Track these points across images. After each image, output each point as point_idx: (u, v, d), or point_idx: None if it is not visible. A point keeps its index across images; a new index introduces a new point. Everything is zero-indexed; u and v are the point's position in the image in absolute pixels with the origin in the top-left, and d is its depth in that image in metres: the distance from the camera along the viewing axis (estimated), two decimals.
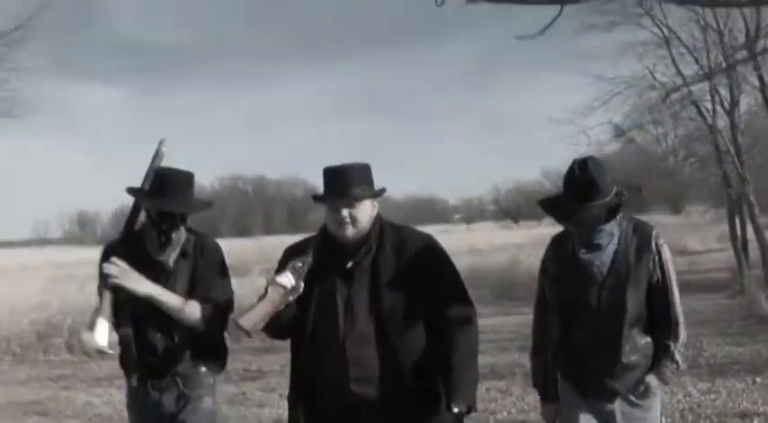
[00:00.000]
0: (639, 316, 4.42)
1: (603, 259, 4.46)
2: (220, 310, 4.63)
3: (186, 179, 4.69)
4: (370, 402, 4.20)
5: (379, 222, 4.42)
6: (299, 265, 4.22)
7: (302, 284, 4.19)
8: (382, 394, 4.19)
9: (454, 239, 40.34)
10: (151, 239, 4.63)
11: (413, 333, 4.26)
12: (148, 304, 4.49)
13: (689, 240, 39.75)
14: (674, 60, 20.10)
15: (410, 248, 4.36)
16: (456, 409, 4.15)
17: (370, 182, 4.38)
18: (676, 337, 4.43)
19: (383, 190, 4.44)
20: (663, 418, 4.56)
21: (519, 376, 10.64)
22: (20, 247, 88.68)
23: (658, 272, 4.44)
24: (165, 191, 4.56)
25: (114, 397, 11.22)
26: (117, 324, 4.56)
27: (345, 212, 4.26)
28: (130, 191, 4.63)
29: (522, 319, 15.12)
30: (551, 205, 4.56)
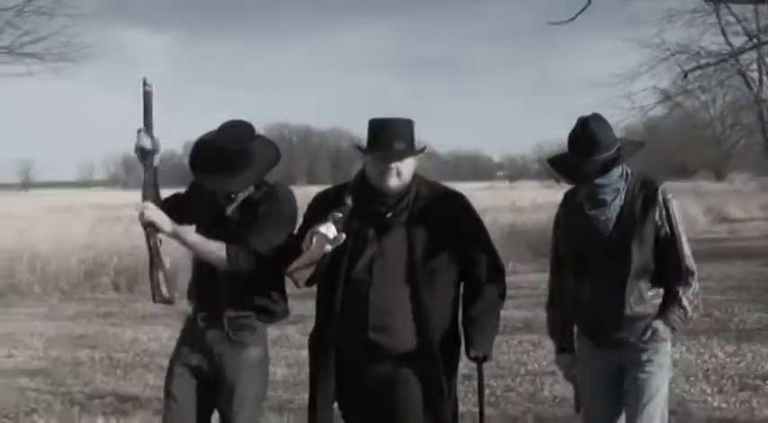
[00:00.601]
0: (645, 268, 4.46)
1: (609, 214, 4.53)
2: (256, 254, 4.49)
3: (237, 149, 4.48)
4: (387, 352, 4.29)
5: (417, 178, 4.50)
6: (339, 215, 4.29)
7: (343, 235, 4.26)
8: (401, 344, 4.29)
9: (497, 197, 40.55)
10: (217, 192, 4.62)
11: (442, 288, 4.37)
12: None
13: (731, 208, 39.60)
14: (722, 29, 20.15)
15: (445, 205, 4.48)
16: (473, 355, 4.32)
17: (412, 137, 4.46)
18: (687, 285, 4.46)
19: (425, 148, 4.62)
20: (671, 369, 4.64)
21: None
22: (65, 188, 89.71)
23: (666, 226, 4.48)
24: (215, 165, 4.49)
25: (161, 334, 11.63)
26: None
27: (392, 165, 4.34)
28: (192, 166, 4.63)
29: None
30: (557, 162, 4.66)
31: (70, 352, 10.85)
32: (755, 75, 20.95)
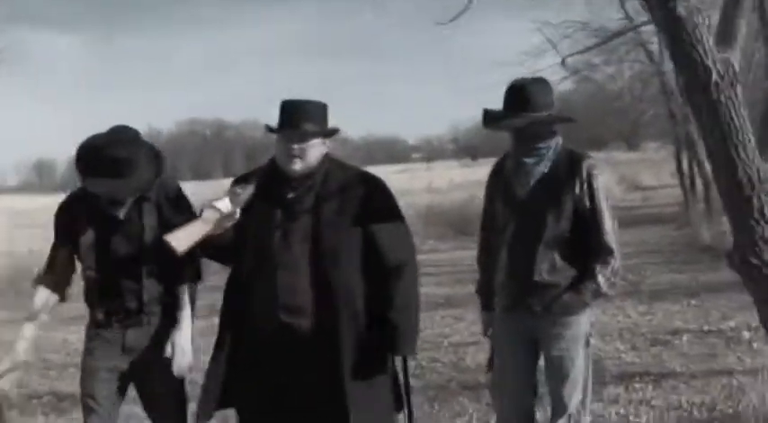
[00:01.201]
0: (559, 238, 4.48)
1: (529, 180, 4.55)
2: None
3: (125, 156, 4.47)
4: (297, 331, 4.24)
5: (328, 161, 4.45)
6: (239, 191, 4.30)
7: (239, 211, 4.27)
8: (311, 325, 4.25)
9: (414, 179, 40.82)
10: (101, 198, 4.60)
11: (348, 269, 4.30)
12: (114, 247, 4.55)
13: (644, 176, 40.55)
14: (622, 4, 20.67)
15: (355, 188, 4.40)
16: (398, 355, 4.34)
17: (323, 119, 4.45)
18: (604, 262, 4.45)
19: (336, 130, 4.54)
20: (588, 339, 4.63)
21: (472, 305, 11.17)
22: None
23: (587, 199, 4.47)
24: (102, 171, 4.46)
25: None
26: (84, 267, 4.63)
27: (296, 146, 4.31)
28: (78, 170, 4.58)
29: None
30: (488, 114, 4.64)
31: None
32: (656, 47, 21.59)
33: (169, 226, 4.46)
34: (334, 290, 4.25)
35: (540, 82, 4.71)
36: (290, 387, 4.28)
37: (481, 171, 4.98)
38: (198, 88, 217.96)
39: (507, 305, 4.69)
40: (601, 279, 4.46)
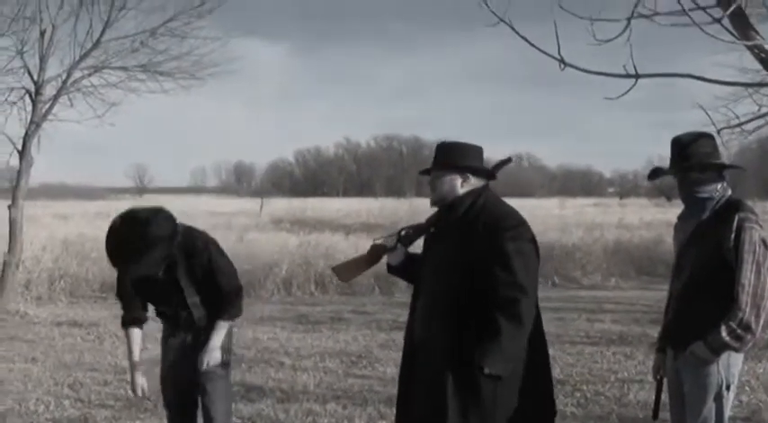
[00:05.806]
0: (700, 284, 4.60)
1: (687, 228, 4.73)
2: (236, 294, 5.64)
3: (141, 243, 5.23)
4: (424, 350, 4.67)
5: (474, 196, 4.68)
6: (408, 231, 4.87)
7: (401, 247, 4.87)
8: (430, 345, 4.62)
9: (606, 213, 40.62)
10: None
11: (457, 300, 4.51)
12: (159, 293, 5.62)
13: None
14: None
15: (483, 225, 4.55)
16: (486, 370, 4.34)
17: (457, 158, 4.74)
18: (732, 316, 4.43)
19: (467, 168, 4.71)
20: (723, 391, 4.61)
21: (644, 345, 11.42)
22: (178, 194, 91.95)
23: (733, 250, 4.47)
24: (125, 257, 5.30)
25: (278, 334, 12.53)
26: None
27: (430, 182, 4.79)
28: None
29: (659, 295, 15.73)
30: (657, 168, 4.98)
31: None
32: None
33: (209, 282, 5.55)
34: (443, 317, 4.57)
35: (699, 136, 4.79)
36: (416, 400, 4.73)
37: (672, 212, 5.11)
38: (396, 106, 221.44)
39: (670, 347, 4.88)
40: (723, 331, 4.45)
